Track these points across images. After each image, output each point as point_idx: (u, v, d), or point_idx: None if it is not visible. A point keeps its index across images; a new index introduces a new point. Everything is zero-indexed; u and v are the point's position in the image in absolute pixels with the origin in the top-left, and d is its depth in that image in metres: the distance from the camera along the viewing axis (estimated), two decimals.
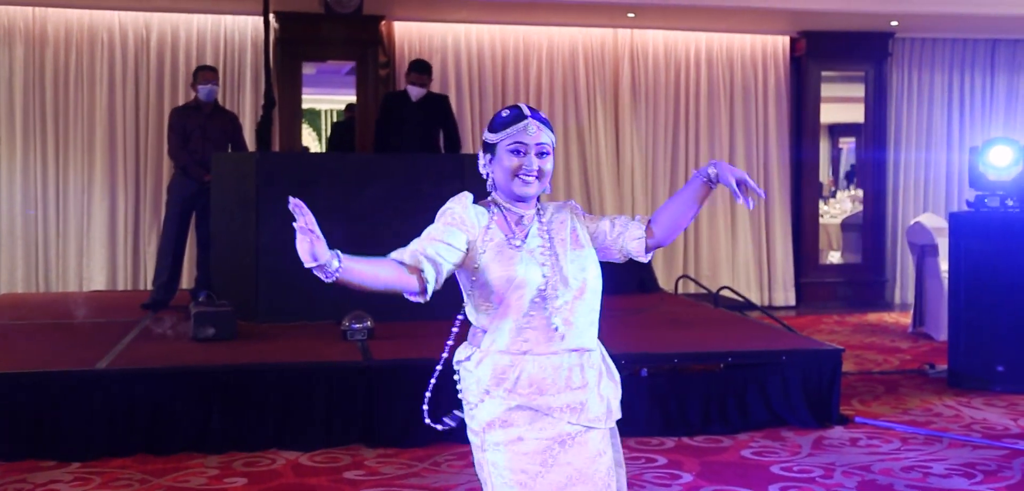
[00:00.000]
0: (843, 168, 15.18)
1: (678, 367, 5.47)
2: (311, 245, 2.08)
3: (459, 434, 2.57)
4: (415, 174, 6.81)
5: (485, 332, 2.42)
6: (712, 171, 2.45)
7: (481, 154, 2.50)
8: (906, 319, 9.22)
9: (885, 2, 9.59)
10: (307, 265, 2.09)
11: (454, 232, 2.37)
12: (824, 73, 10.65)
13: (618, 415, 2.55)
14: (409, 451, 5.01)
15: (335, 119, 13.05)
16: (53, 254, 9.45)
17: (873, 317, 9.84)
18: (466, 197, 2.43)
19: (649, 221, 2.54)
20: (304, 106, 10.23)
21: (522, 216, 2.46)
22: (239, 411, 5.09)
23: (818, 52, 10.49)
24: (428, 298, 2.31)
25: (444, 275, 2.33)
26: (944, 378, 6.68)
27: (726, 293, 7.84)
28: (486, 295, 2.39)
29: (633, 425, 5.28)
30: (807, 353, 5.65)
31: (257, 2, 8.90)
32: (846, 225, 12.23)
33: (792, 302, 10.69)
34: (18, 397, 4.96)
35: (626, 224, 2.54)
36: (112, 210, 9.44)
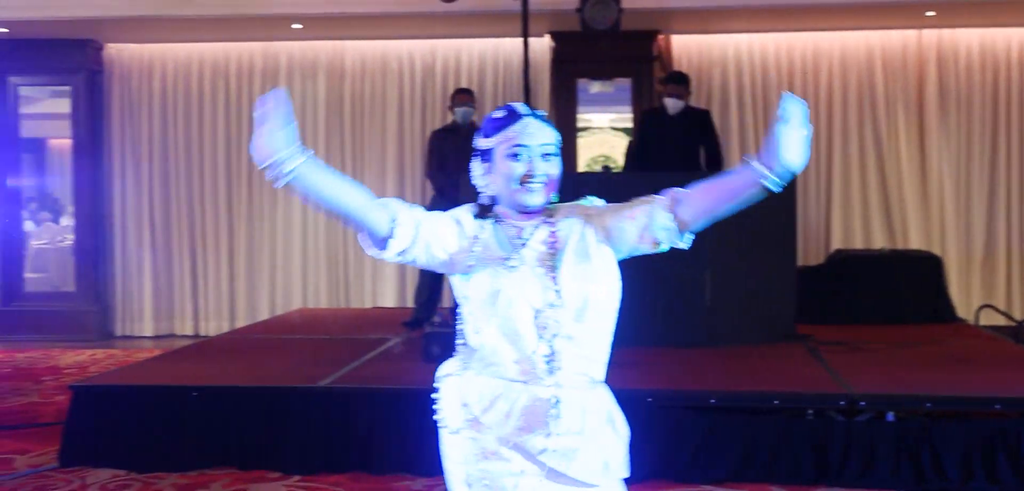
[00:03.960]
0: None
1: (932, 412, 4.73)
2: (269, 134, 1.85)
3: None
4: None
5: (475, 351, 2.13)
6: (763, 169, 1.94)
7: (476, 164, 2.19)
8: None
9: None
10: (258, 161, 1.86)
11: (449, 227, 2.11)
12: None
13: (621, 474, 2.16)
14: None
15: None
16: (352, 272, 10.02)
17: None
18: (470, 207, 2.17)
19: (679, 200, 2.09)
20: (620, 125, 10.10)
21: (522, 228, 2.14)
22: None
23: None
24: (385, 253, 2.06)
25: (416, 248, 2.07)
26: None
27: None
28: (474, 311, 2.11)
29: (874, 477, 4.68)
30: None
31: (541, 24, 9.01)
32: None
33: None
34: (253, 410, 5.20)
35: (651, 212, 2.10)
36: None
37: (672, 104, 7.23)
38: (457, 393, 2.14)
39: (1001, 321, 8.19)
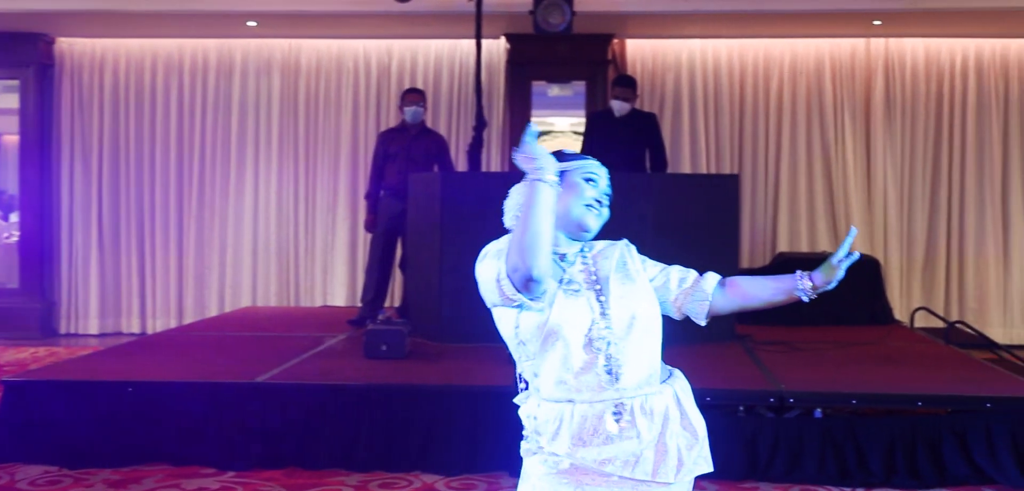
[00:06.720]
0: None
1: (857, 409, 4.82)
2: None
3: None
4: (619, 193, 6.52)
5: (536, 376, 2.19)
6: (807, 284, 2.26)
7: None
8: None
9: None
10: (534, 155, 2.11)
11: None
12: None
13: (699, 469, 2.20)
14: None
15: None
16: (302, 270, 9.99)
17: None
18: None
19: (719, 283, 2.29)
20: (580, 128, 10.13)
21: (565, 254, 2.23)
22: (385, 430, 5.05)
23: None
24: (533, 302, 2.12)
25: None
26: None
27: (962, 328, 6.89)
28: (525, 340, 2.16)
29: (801, 473, 4.77)
30: (1020, 401, 4.79)
31: (496, 26, 9.04)
32: None
33: None
34: (188, 406, 5.19)
35: (694, 286, 2.29)
36: (353, 229, 9.83)
37: (618, 107, 7.31)
38: (531, 421, 2.19)
39: (936, 324, 8.34)
